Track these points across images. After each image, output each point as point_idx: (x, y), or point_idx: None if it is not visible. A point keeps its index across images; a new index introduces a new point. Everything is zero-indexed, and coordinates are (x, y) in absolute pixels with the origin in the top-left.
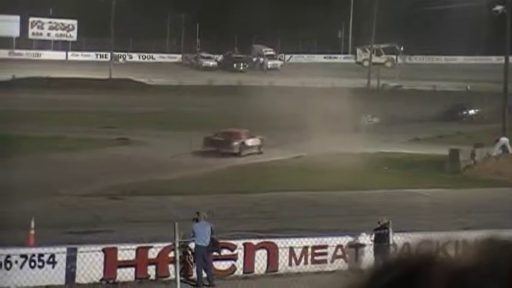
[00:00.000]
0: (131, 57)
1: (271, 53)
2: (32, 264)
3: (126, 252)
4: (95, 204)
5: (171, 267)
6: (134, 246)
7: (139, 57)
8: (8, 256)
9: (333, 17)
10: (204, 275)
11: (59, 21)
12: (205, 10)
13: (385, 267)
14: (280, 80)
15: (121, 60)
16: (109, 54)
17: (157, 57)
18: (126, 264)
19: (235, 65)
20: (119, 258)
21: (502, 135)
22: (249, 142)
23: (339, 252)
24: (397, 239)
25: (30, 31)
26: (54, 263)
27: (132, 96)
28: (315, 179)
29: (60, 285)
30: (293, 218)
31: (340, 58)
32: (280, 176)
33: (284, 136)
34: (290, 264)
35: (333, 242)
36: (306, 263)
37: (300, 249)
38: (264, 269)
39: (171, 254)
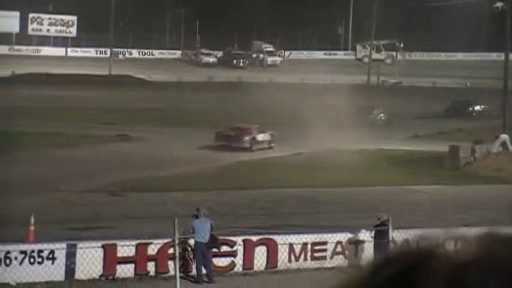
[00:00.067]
0: (131, 54)
1: (271, 49)
2: (32, 260)
3: (126, 248)
4: (95, 201)
5: (170, 263)
6: (134, 243)
7: (139, 54)
8: (8, 252)
9: (333, 13)
10: (204, 271)
11: (58, 17)
12: (205, 6)
13: (384, 262)
14: (280, 77)
15: (121, 56)
16: (109, 51)
17: (157, 53)
18: (125, 260)
19: (235, 61)
20: (119, 255)
21: (501, 132)
22: (260, 137)
23: (339, 249)
24: (397, 236)
25: (30, 27)
26: (53, 259)
27: (131, 93)
28: (315, 176)
29: (60, 281)
30: (293, 215)
31: (340, 54)
32: (280, 173)
33: (284, 133)
34: (290, 260)
35: (332, 238)
36: (305, 259)
37: (299, 246)
38: (264, 265)
39: (171, 251)
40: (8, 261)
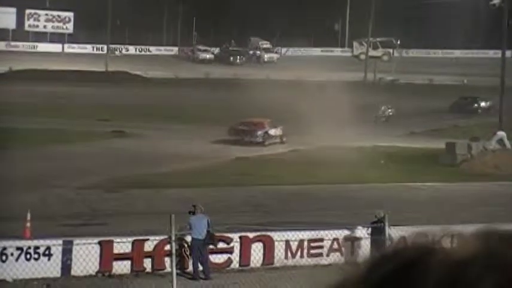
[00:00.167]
0: (127, 50)
1: (268, 46)
2: (28, 256)
3: (122, 245)
4: (91, 197)
5: (167, 260)
6: (130, 239)
7: (136, 50)
8: (4, 248)
9: (330, 10)
10: (200, 268)
11: (55, 13)
12: (202, 3)
13: (381, 259)
14: (276, 73)
15: (117, 52)
16: (105, 47)
17: (154, 49)
18: (122, 257)
19: (231, 58)
20: (115, 251)
21: (498, 129)
22: (272, 132)
23: (335, 246)
24: (394, 233)
25: (27, 23)
26: (50, 255)
27: (128, 89)
28: (312, 173)
29: (56, 278)
30: (289, 211)
31: (336, 51)
32: (277, 169)
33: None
34: (286, 257)
35: (329, 235)
36: (302, 256)
37: (296, 243)
38: (260, 262)
39: (167, 247)
40: (4, 257)
